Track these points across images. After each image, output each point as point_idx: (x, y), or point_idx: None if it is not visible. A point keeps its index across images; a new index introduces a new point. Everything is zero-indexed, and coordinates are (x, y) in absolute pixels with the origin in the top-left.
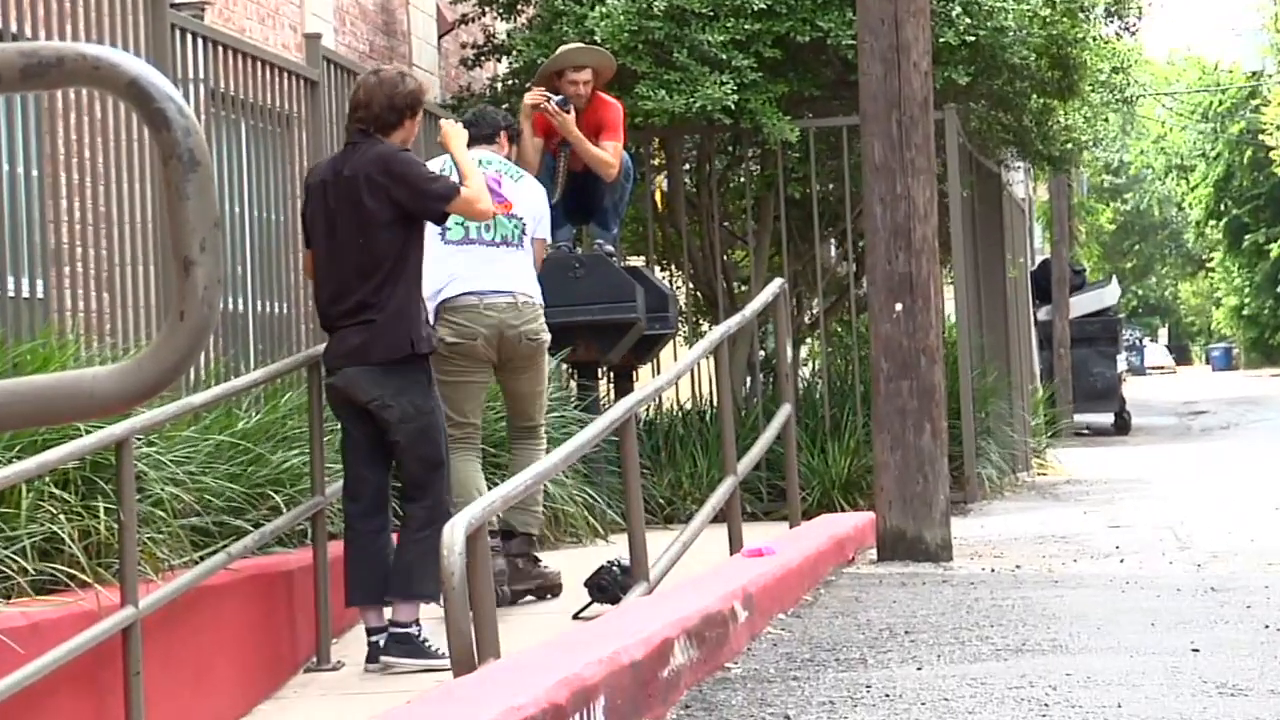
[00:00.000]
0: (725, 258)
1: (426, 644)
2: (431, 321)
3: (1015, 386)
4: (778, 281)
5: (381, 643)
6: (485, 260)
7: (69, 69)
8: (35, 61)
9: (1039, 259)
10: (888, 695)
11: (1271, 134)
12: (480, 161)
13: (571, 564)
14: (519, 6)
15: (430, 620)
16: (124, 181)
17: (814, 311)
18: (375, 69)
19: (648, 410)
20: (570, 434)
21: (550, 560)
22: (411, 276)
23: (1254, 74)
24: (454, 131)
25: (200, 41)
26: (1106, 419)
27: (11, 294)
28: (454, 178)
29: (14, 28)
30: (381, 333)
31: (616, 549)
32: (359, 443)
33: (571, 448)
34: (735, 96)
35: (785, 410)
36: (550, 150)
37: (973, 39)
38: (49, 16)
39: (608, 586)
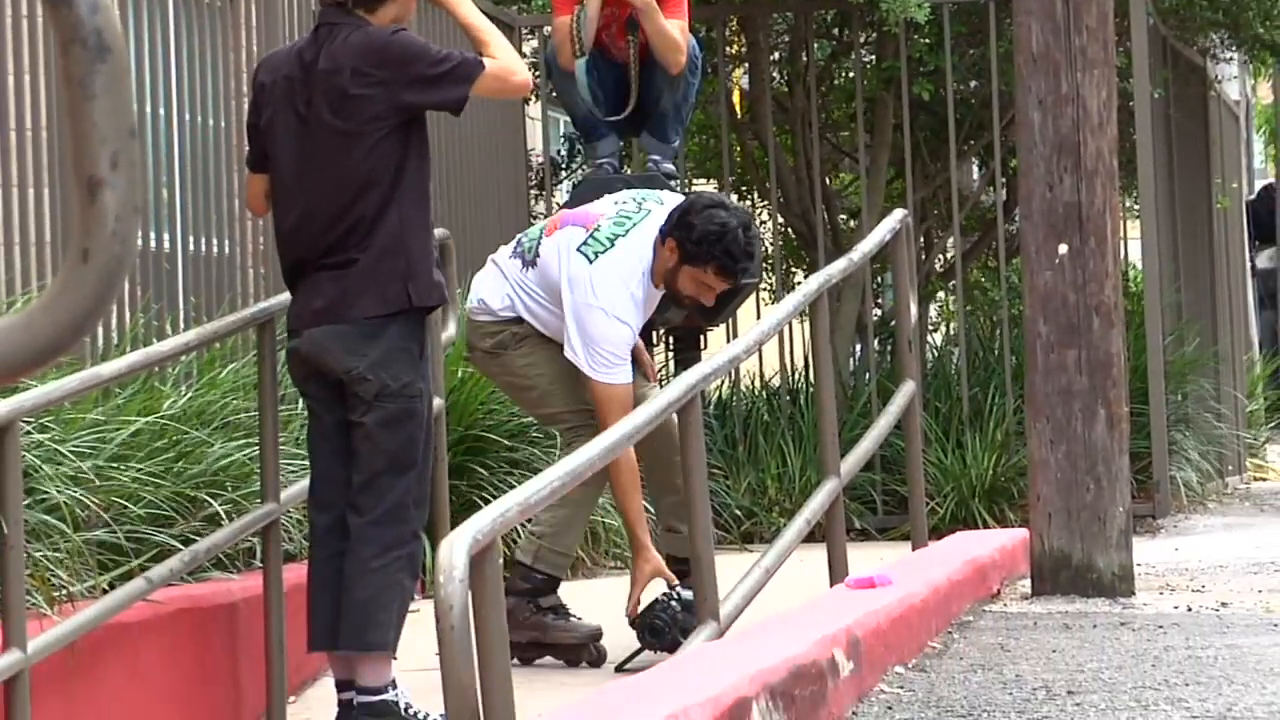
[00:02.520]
0: (827, 181)
1: (412, 713)
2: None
3: (1224, 359)
4: (899, 213)
5: (355, 702)
6: None
7: None
8: None
9: (1259, 185)
10: None
11: None
12: None
13: (614, 596)
14: None
15: (419, 673)
16: (8, 72)
17: (948, 255)
18: None
19: (720, 388)
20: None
21: (588, 591)
22: (409, 198)
23: None
24: None
25: None
26: None
27: None
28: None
29: None
30: (367, 277)
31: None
32: (330, 431)
33: (615, 437)
34: None
35: (908, 389)
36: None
37: None
38: None
39: (663, 628)
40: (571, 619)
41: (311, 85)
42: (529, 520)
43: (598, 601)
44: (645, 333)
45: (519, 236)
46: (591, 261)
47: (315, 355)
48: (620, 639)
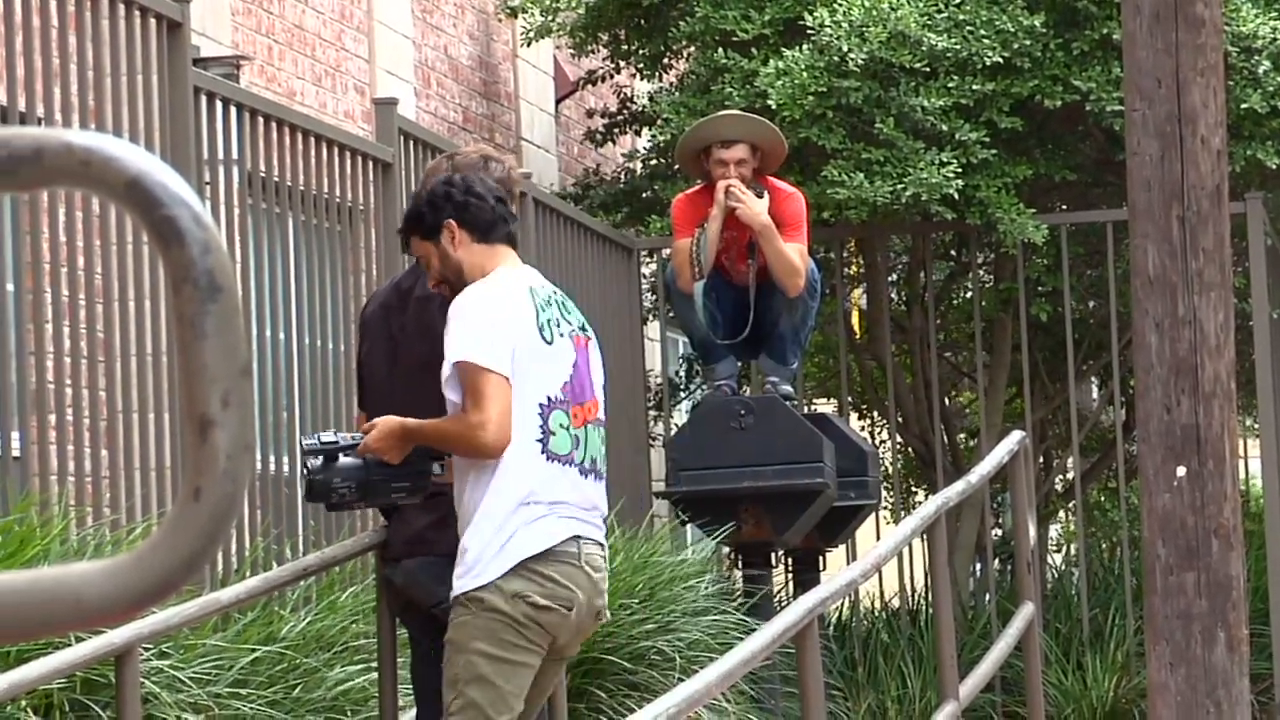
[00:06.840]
0: (946, 401)
1: None
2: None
3: None
4: (1017, 434)
5: None
6: (575, 488)
7: (50, 165)
8: (4, 155)
9: None
10: None
11: None
12: (535, 295)
13: None
14: (666, 60)
15: None
16: (130, 299)
17: (1068, 476)
18: (450, 154)
19: (839, 610)
20: (730, 644)
21: None
22: None
23: None
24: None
25: (234, 110)
26: None
27: None
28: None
29: None
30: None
31: None
32: (431, 656)
33: (733, 663)
34: (960, 182)
35: (1027, 611)
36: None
37: None
38: (30, 77)
39: None
40: None
41: (406, 311)
42: None
43: None
44: (763, 552)
45: None
46: None
47: (406, 587)
48: None
